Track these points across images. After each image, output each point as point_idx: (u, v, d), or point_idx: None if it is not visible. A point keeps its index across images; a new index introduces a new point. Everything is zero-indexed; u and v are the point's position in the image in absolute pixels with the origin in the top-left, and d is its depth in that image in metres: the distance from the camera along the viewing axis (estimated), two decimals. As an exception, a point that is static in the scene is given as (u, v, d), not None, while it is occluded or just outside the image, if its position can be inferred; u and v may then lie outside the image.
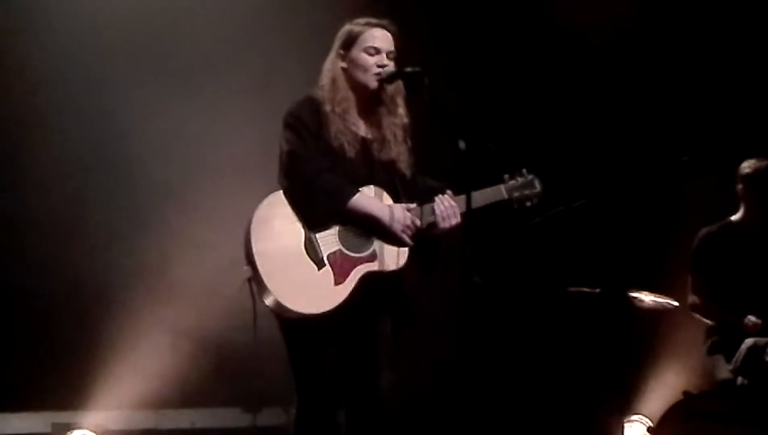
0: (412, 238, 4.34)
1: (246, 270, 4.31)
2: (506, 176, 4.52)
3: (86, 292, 6.48)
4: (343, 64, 4.46)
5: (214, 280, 6.27)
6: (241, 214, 4.39)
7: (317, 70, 4.54)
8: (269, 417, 6.46)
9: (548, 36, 7.26)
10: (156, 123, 6.57)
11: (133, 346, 6.45)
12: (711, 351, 6.16)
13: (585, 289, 6.08)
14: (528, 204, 4.53)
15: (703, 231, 6.27)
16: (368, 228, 4.32)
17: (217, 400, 6.70)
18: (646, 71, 7.28)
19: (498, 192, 4.49)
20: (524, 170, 4.53)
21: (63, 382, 6.38)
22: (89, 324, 6.48)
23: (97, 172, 6.62)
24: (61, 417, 6.38)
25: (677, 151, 6.14)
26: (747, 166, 6.14)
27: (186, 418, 6.74)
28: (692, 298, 6.24)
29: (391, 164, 4.44)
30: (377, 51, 4.41)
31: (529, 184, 4.52)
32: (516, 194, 4.50)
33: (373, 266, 4.33)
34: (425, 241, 4.40)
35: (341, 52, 4.47)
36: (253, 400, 6.30)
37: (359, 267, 4.31)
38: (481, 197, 4.41)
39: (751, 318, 5.95)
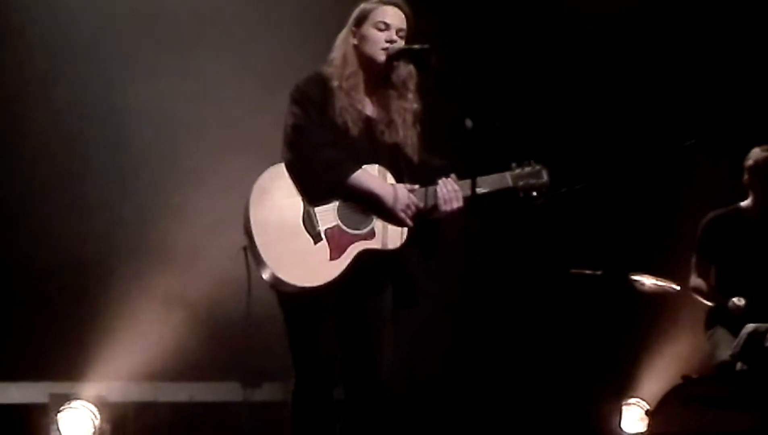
0: (412, 218, 4.32)
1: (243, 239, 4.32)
2: (514, 164, 4.47)
3: (86, 263, 6.47)
4: (354, 41, 4.43)
5: (220, 253, 6.28)
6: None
7: (307, 45, 4.54)
8: (269, 392, 6.48)
9: (556, 16, 7.23)
10: (145, 91, 6.56)
11: (132, 318, 6.44)
12: (712, 335, 6.17)
13: (587, 271, 6.08)
14: (534, 194, 4.48)
15: (711, 214, 6.29)
16: (368, 205, 4.30)
17: (216, 374, 6.71)
18: (653, 53, 7.25)
19: (503, 179, 4.44)
20: (532, 160, 4.50)
21: (62, 353, 6.39)
22: (89, 295, 6.48)
23: (93, 148, 6.60)
24: (59, 387, 6.37)
25: (681, 134, 6.13)
26: (751, 157, 6.17)
27: (184, 392, 6.74)
28: (695, 280, 6.26)
29: (396, 147, 4.40)
30: (387, 26, 4.38)
31: (537, 174, 4.47)
32: (521, 183, 4.45)
33: (371, 244, 4.31)
34: (425, 225, 4.38)
35: (353, 29, 4.44)
36: (253, 374, 6.31)
37: (356, 244, 4.29)
38: (486, 183, 4.37)
39: (734, 300, 5.98)
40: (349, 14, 4.48)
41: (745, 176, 6.20)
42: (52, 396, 6.30)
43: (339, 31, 4.49)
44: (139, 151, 6.60)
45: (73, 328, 6.40)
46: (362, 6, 4.47)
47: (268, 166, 4.30)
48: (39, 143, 6.47)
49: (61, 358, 6.38)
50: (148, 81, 6.55)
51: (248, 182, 4.29)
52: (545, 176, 4.50)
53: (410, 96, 4.45)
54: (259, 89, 4.91)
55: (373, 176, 4.32)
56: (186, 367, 6.58)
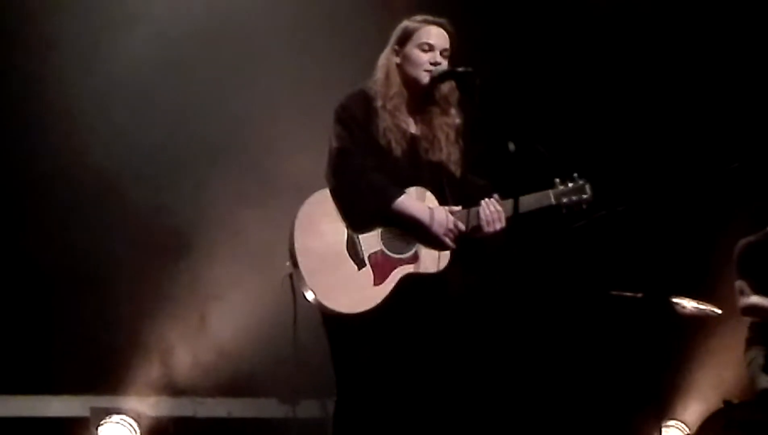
0: (454, 241, 4.32)
1: (288, 266, 4.32)
2: (557, 181, 4.47)
3: (130, 278, 6.51)
4: (397, 60, 4.44)
5: (254, 268, 6.30)
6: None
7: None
8: (307, 409, 6.48)
9: (599, 39, 7.19)
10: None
11: (174, 334, 6.48)
12: (752, 360, 6.11)
13: (627, 294, 6.05)
14: (577, 209, 4.48)
15: (743, 241, 6.23)
16: (411, 230, 4.31)
17: (255, 390, 6.72)
18: (698, 76, 7.20)
19: (546, 197, 4.45)
20: (576, 175, 4.48)
21: (103, 367, 6.43)
22: (130, 310, 6.52)
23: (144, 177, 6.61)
24: (99, 401, 6.42)
25: (727, 157, 6.09)
26: None
27: (223, 408, 6.76)
28: (745, 301, 6.15)
29: (440, 165, 4.41)
30: (431, 47, 4.39)
31: (580, 190, 4.48)
32: (564, 200, 4.46)
33: (414, 268, 4.32)
34: (470, 243, 4.37)
35: (396, 47, 4.46)
36: (292, 391, 6.31)
37: (399, 268, 4.30)
38: (529, 202, 4.37)
39: None
40: (387, 26, 4.50)
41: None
42: (93, 410, 6.34)
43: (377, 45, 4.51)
44: (186, 184, 6.61)
45: (115, 342, 6.45)
46: (405, 24, 4.47)
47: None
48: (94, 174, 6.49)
49: (102, 372, 6.43)
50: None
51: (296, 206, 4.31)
52: (589, 191, 4.50)
53: (452, 111, 4.47)
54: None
55: (415, 201, 4.32)
56: (225, 382, 6.61)
